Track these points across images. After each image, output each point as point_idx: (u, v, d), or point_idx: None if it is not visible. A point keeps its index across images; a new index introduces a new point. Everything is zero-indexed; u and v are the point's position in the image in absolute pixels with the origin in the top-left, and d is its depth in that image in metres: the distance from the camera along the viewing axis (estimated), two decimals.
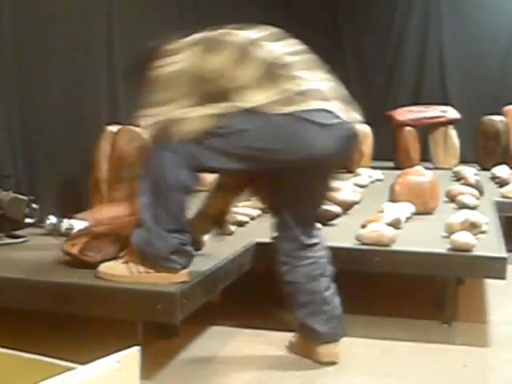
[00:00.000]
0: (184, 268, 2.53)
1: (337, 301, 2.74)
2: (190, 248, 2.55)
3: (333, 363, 2.72)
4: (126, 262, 2.53)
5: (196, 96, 2.46)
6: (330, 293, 2.73)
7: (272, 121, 2.43)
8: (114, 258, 2.67)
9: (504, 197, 4.66)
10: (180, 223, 2.51)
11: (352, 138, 2.60)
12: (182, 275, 2.53)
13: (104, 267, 2.55)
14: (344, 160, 2.89)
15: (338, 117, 2.50)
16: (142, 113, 2.51)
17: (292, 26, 2.90)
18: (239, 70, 2.45)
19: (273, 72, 2.47)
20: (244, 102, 2.44)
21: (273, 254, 2.75)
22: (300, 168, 2.56)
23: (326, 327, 2.70)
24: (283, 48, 2.57)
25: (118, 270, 2.52)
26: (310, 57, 2.61)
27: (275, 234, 2.76)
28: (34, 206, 3.25)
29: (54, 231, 3.26)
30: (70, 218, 3.40)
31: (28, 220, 3.24)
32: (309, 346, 2.75)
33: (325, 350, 2.71)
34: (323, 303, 2.70)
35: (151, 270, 2.50)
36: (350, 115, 2.58)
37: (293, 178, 2.61)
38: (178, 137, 2.41)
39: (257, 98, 2.45)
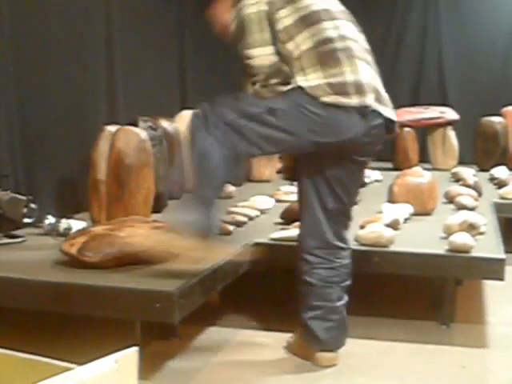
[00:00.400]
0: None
1: (345, 312, 2.72)
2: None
3: (331, 366, 2.73)
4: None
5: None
6: (342, 303, 2.70)
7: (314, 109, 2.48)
8: (112, 258, 2.67)
9: (502, 198, 4.66)
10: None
11: (386, 126, 2.63)
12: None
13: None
14: (377, 146, 2.77)
15: (379, 114, 2.57)
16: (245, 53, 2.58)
17: None
18: (300, 35, 2.52)
19: (332, 52, 2.52)
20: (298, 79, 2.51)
21: (295, 252, 2.73)
22: (338, 158, 2.58)
23: (328, 335, 2.68)
24: (348, 30, 2.62)
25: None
26: (364, 43, 2.69)
27: (300, 230, 2.74)
28: (33, 205, 3.25)
29: (53, 231, 3.26)
30: (69, 218, 3.40)
31: (26, 220, 3.23)
32: (307, 349, 2.75)
33: (323, 357, 2.71)
34: (332, 312, 2.68)
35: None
36: (387, 108, 2.62)
37: (331, 167, 2.59)
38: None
39: (310, 77, 2.50)
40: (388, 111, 2.61)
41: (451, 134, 6.30)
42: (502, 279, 3.00)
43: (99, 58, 4.37)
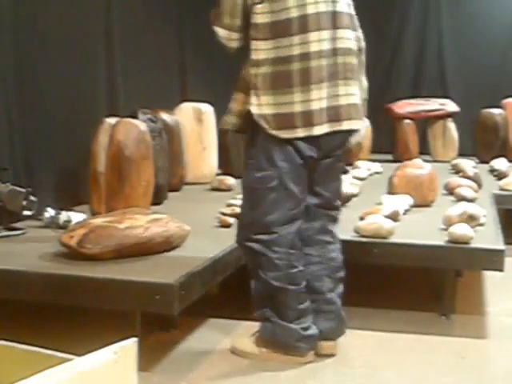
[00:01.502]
0: (310, 350, 2.67)
1: (339, 302, 2.74)
2: (312, 331, 2.66)
3: (331, 355, 2.73)
4: (256, 341, 2.72)
5: None
6: (334, 295, 2.72)
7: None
8: (112, 250, 2.67)
9: (502, 189, 4.67)
10: (299, 311, 2.64)
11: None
12: (308, 356, 2.68)
13: (237, 343, 2.78)
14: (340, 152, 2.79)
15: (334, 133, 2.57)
16: None
17: None
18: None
19: (287, 76, 2.47)
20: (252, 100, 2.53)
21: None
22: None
23: (325, 325, 2.70)
24: (322, 44, 2.50)
25: (248, 348, 2.73)
26: (352, 60, 2.60)
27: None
28: (32, 198, 3.25)
29: (52, 223, 3.26)
30: (68, 210, 3.40)
31: (26, 212, 3.24)
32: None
33: (323, 345, 2.73)
34: (325, 303, 2.71)
35: (279, 351, 2.67)
36: (347, 121, 2.59)
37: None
38: None
39: (262, 100, 2.51)
40: (344, 126, 2.57)
41: (451, 125, 6.30)
42: (501, 270, 3.01)
43: (99, 50, 4.36)
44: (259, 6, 2.47)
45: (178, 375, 2.61)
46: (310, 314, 2.68)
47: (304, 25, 2.46)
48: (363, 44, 2.70)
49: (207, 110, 4.93)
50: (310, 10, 2.46)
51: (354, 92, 2.60)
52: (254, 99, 2.53)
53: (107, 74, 4.44)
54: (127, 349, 1.42)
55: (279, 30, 2.46)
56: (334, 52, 2.52)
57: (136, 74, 4.80)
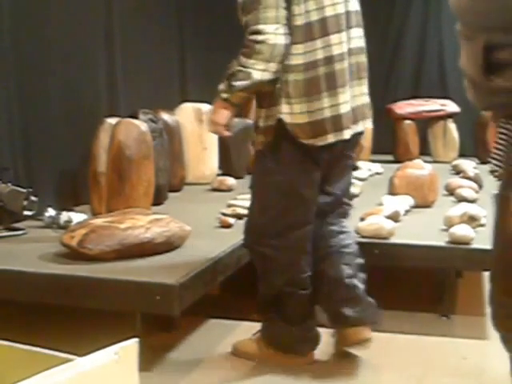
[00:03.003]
0: (311, 350, 2.67)
1: (361, 288, 2.70)
2: (315, 332, 2.67)
3: (365, 341, 2.67)
4: (258, 341, 2.71)
5: None
6: (352, 281, 2.67)
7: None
8: (113, 250, 2.67)
9: None
10: (305, 314, 2.64)
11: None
12: (309, 357, 2.67)
13: (238, 344, 2.77)
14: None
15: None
16: None
17: None
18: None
19: (316, 81, 2.45)
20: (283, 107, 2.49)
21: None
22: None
23: (351, 311, 2.64)
24: (339, 47, 2.47)
25: (249, 348, 2.73)
26: (363, 58, 2.62)
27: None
28: (33, 198, 3.25)
29: (53, 224, 3.26)
30: (69, 210, 3.40)
31: (27, 212, 3.24)
32: (338, 332, 2.72)
33: (353, 332, 2.65)
34: (346, 289, 2.66)
35: (280, 352, 2.66)
36: (359, 123, 2.62)
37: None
38: None
39: (295, 109, 2.48)
40: (360, 126, 2.63)
41: (452, 126, 6.30)
42: None
43: (99, 51, 4.36)
44: (293, 7, 2.41)
45: (178, 375, 2.61)
46: (315, 316, 2.68)
47: (324, 28, 2.44)
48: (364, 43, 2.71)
49: (208, 110, 4.93)
50: (329, 12, 2.44)
51: (366, 91, 2.64)
52: (285, 108, 2.46)
53: (108, 74, 4.43)
54: (128, 349, 1.42)
55: (305, 33, 2.43)
56: (350, 52, 2.53)
57: (136, 74, 4.79)
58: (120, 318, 2.53)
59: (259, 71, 2.42)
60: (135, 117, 3.90)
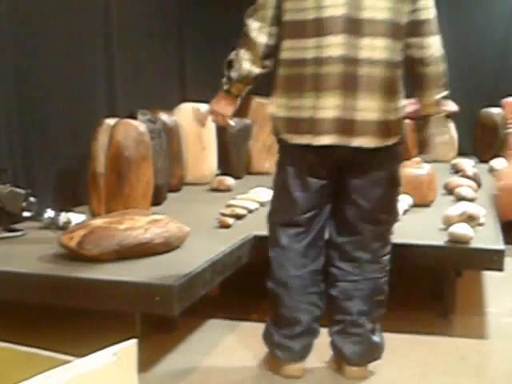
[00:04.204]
0: (288, 363, 2.58)
1: (369, 326, 2.58)
2: (295, 344, 2.57)
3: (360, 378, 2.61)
4: None
5: None
6: (365, 317, 2.56)
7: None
8: (112, 251, 2.67)
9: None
10: (288, 318, 2.58)
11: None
12: (287, 370, 2.59)
13: None
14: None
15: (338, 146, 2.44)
16: None
17: None
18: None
19: (299, 79, 2.42)
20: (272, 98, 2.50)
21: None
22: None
23: (351, 349, 2.57)
24: (337, 49, 2.37)
25: None
26: (382, 72, 2.40)
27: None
28: (32, 199, 3.25)
29: (52, 225, 3.26)
30: (68, 211, 3.40)
31: (26, 213, 3.23)
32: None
33: (349, 370, 2.60)
34: (352, 325, 2.57)
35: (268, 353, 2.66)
36: (355, 138, 2.41)
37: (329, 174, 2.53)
38: None
39: (276, 101, 2.48)
40: (359, 141, 2.40)
41: (451, 125, 6.30)
42: (501, 270, 3.00)
43: (98, 51, 4.36)
44: (287, 2, 2.41)
45: (177, 376, 2.61)
46: (304, 327, 2.57)
47: (320, 28, 2.36)
48: (431, 53, 2.50)
49: (206, 110, 4.93)
50: (328, 13, 2.34)
51: (378, 107, 2.39)
52: (272, 100, 2.52)
53: (106, 74, 4.43)
54: (127, 350, 1.42)
55: (296, 30, 2.41)
56: (355, 61, 2.35)
57: (135, 74, 4.80)
58: (119, 319, 2.53)
59: (248, 62, 2.50)
60: (134, 117, 3.90)
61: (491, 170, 5.39)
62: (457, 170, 5.21)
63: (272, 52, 2.49)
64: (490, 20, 6.91)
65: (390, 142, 2.47)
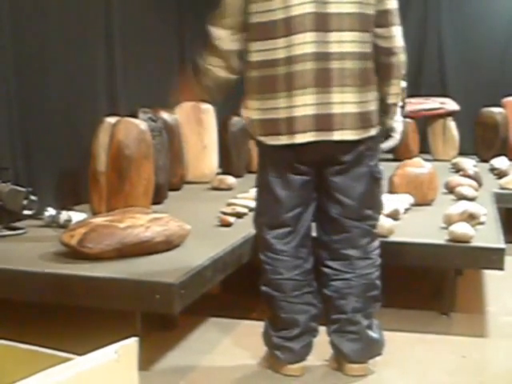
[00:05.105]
0: (290, 363, 2.58)
1: (365, 323, 2.57)
2: (294, 344, 2.57)
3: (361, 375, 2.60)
4: None
5: None
6: (360, 315, 2.55)
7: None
8: (112, 249, 2.67)
9: (503, 188, 4.67)
10: (285, 320, 2.56)
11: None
12: (288, 370, 2.58)
13: None
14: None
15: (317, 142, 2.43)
16: None
17: None
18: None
19: (272, 80, 2.41)
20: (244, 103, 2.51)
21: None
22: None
23: (349, 347, 2.56)
24: (307, 47, 2.37)
25: None
26: (353, 65, 2.40)
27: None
28: (33, 197, 3.25)
29: (53, 223, 3.27)
30: (69, 209, 3.40)
31: (26, 212, 3.24)
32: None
33: (349, 367, 2.59)
34: (348, 323, 2.55)
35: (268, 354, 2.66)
36: (334, 132, 2.41)
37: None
38: None
39: (250, 105, 2.48)
40: (336, 135, 2.40)
41: (451, 124, 6.31)
42: (501, 269, 3.01)
43: (99, 50, 4.36)
44: (252, 5, 2.41)
45: (178, 375, 2.61)
46: (302, 328, 2.56)
47: (288, 27, 2.36)
48: (395, 43, 2.49)
49: (207, 108, 4.94)
50: (295, 11, 2.34)
51: (354, 100, 2.41)
52: (245, 103, 2.52)
53: (107, 73, 4.44)
54: (128, 348, 1.42)
55: (265, 31, 2.40)
56: (326, 56, 2.36)
57: (136, 73, 4.80)
58: (120, 317, 2.54)
59: (222, 69, 2.55)
60: (135, 116, 3.90)
61: (492, 169, 5.39)
62: (458, 169, 5.21)
63: (241, 56, 2.51)
64: (491, 20, 6.91)
65: (371, 133, 2.48)
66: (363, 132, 2.45)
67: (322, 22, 2.36)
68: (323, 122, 2.39)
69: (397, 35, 2.50)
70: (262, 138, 2.49)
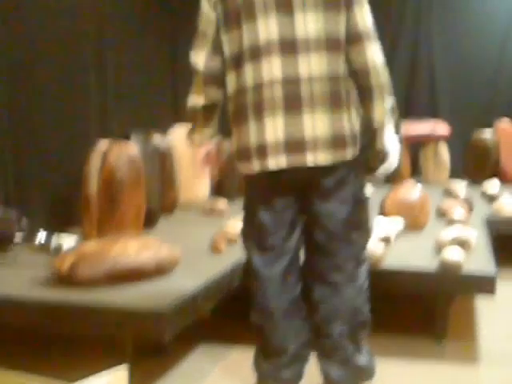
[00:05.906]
0: None
1: (351, 348, 2.54)
2: (286, 375, 2.55)
3: None
4: None
5: None
6: (346, 340, 2.53)
7: None
8: (103, 276, 2.67)
9: (494, 214, 4.66)
10: (273, 348, 2.54)
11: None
12: None
13: None
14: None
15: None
16: None
17: None
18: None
19: (242, 109, 2.40)
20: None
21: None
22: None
23: (335, 373, 2.54)
24: (274, 67, 2.35)
25: None
26: (324, 87, 2.34)
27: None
28: (24, 221, 3.24)
29: (44, 248, 3.25)
30: (60, 233, 3.39)
31: (17, 236, 3.22)
32: None
33: None
34: (333, 348, 2.53)
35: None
36: (305, 154, 2.36)
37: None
38: None
39: (232, 136, 2.47)
40: (312, 158, 2.34)
41: (442, 147, 6.34)
42: (492, 294, 3.01)
43: (91, 73, 4.37)
44: (223, 35, 2.40)
45: None
46: (292, 355, 2.54)
47: (255, 54, 2.35)
48: (372, 62, 2.38)
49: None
50: (261, 38, 2.33)
51: (326, 122, 2.34)
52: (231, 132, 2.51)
53: (99, 96, 4.44)
54: (118, 375, 1.42)
55: (235, 61, 2.39)
56: (294, 81, 2.32)
57: (129, 96, 4.81)
58: (110, 344, 2.52)
59: (193, 94, 2.54)
60: (127, 139, 3.91)
61: (484, 194, 5.38)
62: (449, 193, 5.22)
63: (219, 82, 2.48)
64: (483, 40, 6.94)
65: (348, 155, 2.40)
66: (337, 154, 2.38)
67: (290, 47, 2.33)
68: (295, 146, 2.34)
69: (373, 53, 2.41)
70: (239, 165, 2.47)
